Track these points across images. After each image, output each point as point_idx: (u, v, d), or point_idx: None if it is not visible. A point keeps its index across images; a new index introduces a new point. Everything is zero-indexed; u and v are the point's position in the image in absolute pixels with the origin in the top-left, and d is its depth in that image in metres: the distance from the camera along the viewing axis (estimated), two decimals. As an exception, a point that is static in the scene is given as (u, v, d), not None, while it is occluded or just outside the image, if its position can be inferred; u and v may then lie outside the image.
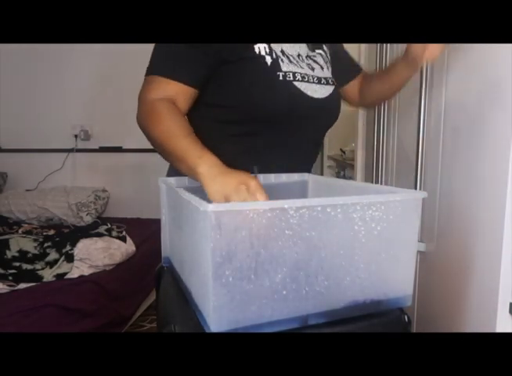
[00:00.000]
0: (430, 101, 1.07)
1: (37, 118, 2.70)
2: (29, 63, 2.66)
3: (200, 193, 0.60)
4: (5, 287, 1.43)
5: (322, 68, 0.93)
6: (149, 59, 0.83)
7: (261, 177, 0.87)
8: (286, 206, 0.54)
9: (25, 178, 2.71)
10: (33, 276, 1.54)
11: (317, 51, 0.95)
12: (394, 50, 1.29)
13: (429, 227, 1.09)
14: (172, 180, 0.80)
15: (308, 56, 0.92)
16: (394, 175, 1.39)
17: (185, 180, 0.84)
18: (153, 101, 0.78)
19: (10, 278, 1.50)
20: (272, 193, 0.87)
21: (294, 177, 0.90)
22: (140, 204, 2.60)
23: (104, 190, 2.64)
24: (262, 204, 0.54)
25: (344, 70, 1.04)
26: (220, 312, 0.53)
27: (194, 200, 0.55)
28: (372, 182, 1.43)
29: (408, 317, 0.66)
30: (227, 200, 0.62)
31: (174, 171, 0.97)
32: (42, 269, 1.61)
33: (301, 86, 0.85)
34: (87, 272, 1.62)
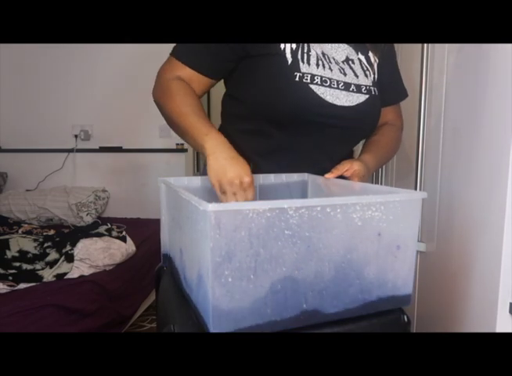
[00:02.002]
0: (430, 101, 1.07)
1: (38, 118, 2.70)
2: (29, 64, 2.66)
3: (200, 193, 0.60)
4: (5, 287, 1.43)
5: (356, 75, 0.87)
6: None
7: (261, 177, 0.87)
8: (285, 206, 0.54)
9: (25, 178, 2.71)
10: (33, 276, 1.54)
11: (360, 55, 0.90)
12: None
13: (429, 227, 1.09)
14: (172, 180, 0.80)
15: (346, 60, 0.87)
16: (394, 176, 1.39)
17: (184, 180, 0.84)
18: (168, 79, 0.84)
19: (10, 278, 1.50)
20: (271, 192, 0.87)
21: (294, 177, 0.90)
22: (140, 204, 2.60)
23: (104, 190, 2.63)
24: (262, 203, 0.54)
25: (385, 90, 0.94)
26: (219, 312, 0.53)
27: (194, 199, 0.55)
28: (372, 183, 1.43)
29: (408, 317, 0.66)
30: (220, 186, 0.70)
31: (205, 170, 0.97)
32: (42, 269, 1.61)
33: (319, 90, 0.81)
34: (87, 272, 1.62)
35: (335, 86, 0.83)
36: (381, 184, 1.43)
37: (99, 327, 1.47)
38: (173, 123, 0.82)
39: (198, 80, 0.85)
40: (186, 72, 0.84)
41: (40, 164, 2.70)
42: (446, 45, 1.02)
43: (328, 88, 0.82)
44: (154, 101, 0.87)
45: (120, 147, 2.65)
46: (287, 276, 0.56)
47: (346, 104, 0.84)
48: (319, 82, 0.82)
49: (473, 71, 0.91)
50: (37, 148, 2.70)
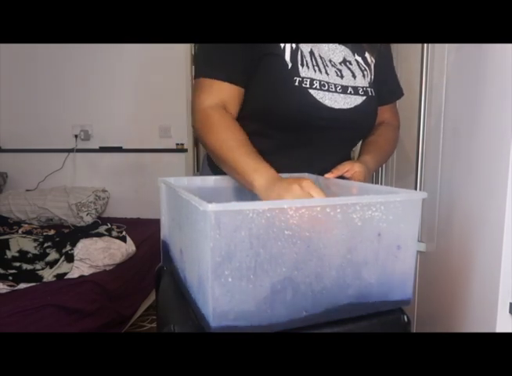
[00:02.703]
0: (430, 101, 1.07)
1: (38, 118, 2.70)
2: (29, 63, 2.66)
3: (200, 193, 0.60)
4: (5, 287, 1.43)
5: (354, 76, 0.87)
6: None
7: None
8: (285, 206, 0.54)
9: (25, 178, 2.71)
10: (33, 276, 1.54)
11: (356, 56, 0.89)
12: (394, 50, 1.29)
13: (429, 227, 1.09)
14: (172, 180, 0.80)
15: (343, 62, 0.87)
16: (394, 176, 1.39)
17: (184, 180, 0.84)
18: (206, 109, 0.79)
19: (10, 278, 1.50)
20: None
21: (294, 177, 0.90)
22: (140, 204, 2.60)
23: (104, 190, 2.64)
24: (262, 204, 0.54)
25: (381, 89, 0.94)
26: (219, 311, 0.53)
27: (194, 199, 0.55)
28: (372, 183, 1.43)
29: (408, 317, 0.66)
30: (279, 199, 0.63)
31: (208, 170, 0.96)
32: (42, 269, 1.61)
33: (318, 95, 0.82)
34: (87, 272, 1.62)
35: (333, 90, 0.84)
36: (381, 184, 1.43)
37: (99, 327, 1.47)
38: (217, 156, 0.77)
39: (235, 94, 0.82)
40: (223, 89, 0.80)
41: (40, 164, 2.70)
42: (446, 45, 1.02)
43: (326, 92, 0.83)
44: (197, 135, 0.83)
45: (120, 147, 2.65)
46: (287, 276, 0.56)
47: (344, 107, 0.85)
48: (317, 87, 0.82)
49: (473, 71, 0.91)
50: (37, 148, 2.70)
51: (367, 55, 0.92)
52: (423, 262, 1.12)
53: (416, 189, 1.10)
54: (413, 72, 1.13)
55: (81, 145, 2.68)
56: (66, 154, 2.68)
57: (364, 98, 0.87)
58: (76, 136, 2.66)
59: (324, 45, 0.86)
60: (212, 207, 0.50)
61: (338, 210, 0.58)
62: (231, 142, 0.75)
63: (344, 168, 0.83)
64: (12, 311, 1.26)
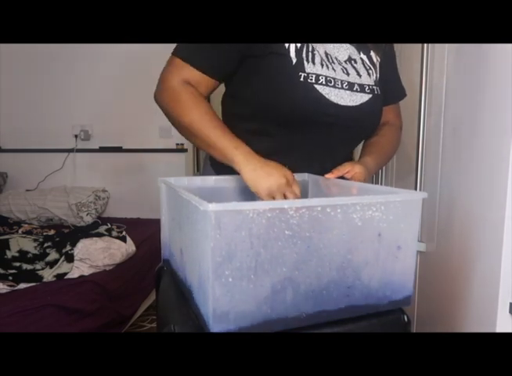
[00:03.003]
0: (430, 101, 1.07)
1: (38, 118, 2.70)
2: (29, 64, 2.66)
3: (201, 193, 0.60)
4: (5, 287, 1.43)
5: (359, 74, 0.87)
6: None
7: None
8: (286, 206, 0.54)
9: (25, 178, 2.71)
10: (33, 276, 1.54)
11: (362, 55, 0.89)
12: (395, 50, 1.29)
13: (429, 227, 1.09)
14: (172, 180, 0.80)
15: (348, 60, 0.87)
16: (394, 176, 1.39)
17: (185, 180, 0.84)
18: (176, 86, 0.81)
19: (10, 278, 1.50)
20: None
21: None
22: (140, 204, 2.60)
23: (104, 190, 2.64)
24: (262, 204, 0.54)
25: (385, 89, 0.93)
26: (219, 311, 0.53)
27: (194, 199, 0.55)
28: (372, 183, 1.43)
29: (408, 317, 0.66)
30: (270, 193, 0.69)
31: (210, 171, 0.96)
32: (42, 269, 1.61)
33: (323, 90, 0.81)
34: (87, 272, 1.62)
35: (339, 86, 0.83)
36: (381, 184, 1.43)
37: (99, 327, 1.47)
38: (191, 134, 0.80)
39: (206, 83, 0.83)
40: (194, 75, 0.81)
41: (40, 164, 2.70)
42: (446, 45, 1.02)
43: (332, 88, 0.82)
44: (159, 105, 0.85)
45: (120, 147, 2.65)
46: (287, 276, 0.56)
47: (350, 104, 0.84)
48: (323, 82, 0.81)
49: (473, 71, 0.91)
50: (37, 148, 2.70)
51: (372, 54, 0.91)
52: (423, 262, 1.12)
53: (416, 189, 1.10)
54: (413, 72, 1.13)
55: (81, 145, 2.68)
56: (66, 154, 2.68)
57: (370, 96, 0.87)
58: (76, 136, 2.66)
59: (329, 43, 0.85)
60: (213, 207, 0.50)
61: (339, 210, 0.58)
62: (207, 121, 0.78)
63: (345, 168, 0.83)
64: (12, 311, 1.26)
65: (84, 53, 2.54)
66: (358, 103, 0.85)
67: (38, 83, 2.66)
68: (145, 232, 2.16)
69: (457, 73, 0.98)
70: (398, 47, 1.23)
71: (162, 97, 0.83)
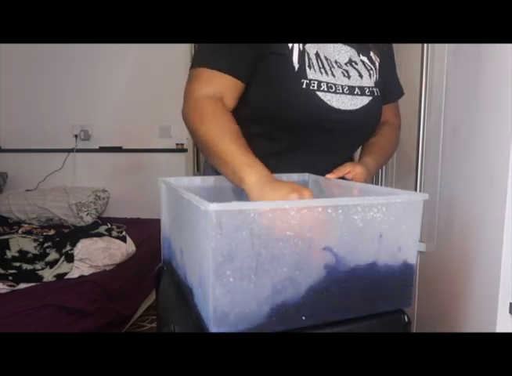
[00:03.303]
0: (430, 101, 1.07)
1: (38, 118, 2.70)
2: (29, 63, 2.66)
3: (201, 193, 0.60)
4: (5, 287, 1.43)
5: (361, 76, 0.87)
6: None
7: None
8: (287, 206, 0.54)
9: (25, 178, 2.71)
10: (33, 276, 1.54)
11: (362, 56, 0.89)
12: (394, 50, 1.29)
13: (429, 227, 1.09)
14: (172, 180, 0.79)
15: (349, 62, 0.86)
16: (394, 176, 1.39)
17: (185, 180, 0.84)
18: (200, 98, 0.76)
19: (10, 278, 1.50)
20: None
21: (294, 177, 0.90)
22: (140, 204, 2.60)
23: (104, 190, 2.63)
24: (263, 204, 0.54)
25: (384, 88, 0.93)
26: (220, 312, 0.53)
27: (195, 199, 0.55)
28: (372, 183, 1.43)
29: (408, 317, 0.66)
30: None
31: (210, 171, 0.95)
32: (42, 269, 1.61)
33: (325, 97, 0.81)
34: (87, 272, 1.62)
35: (340, 91, 0.83)
36: (381, 184, 1.43)
37: (99, 327, 1.47)
38: (206, 147, 0.73)
39: (233, 87, 0.79)
40: (221, 81, 0.78)
41: (40, 164, 2.70)
42: (446, 45, 1.02)
43: (334, 94, 0.82)
44: (185, 123, 0.79)
45: (120, 147, 2.65)
46: (288, 276, 0.56)
47: (351, 108, 0.84)
48: (325, 89, 0.81)
49: (473, 71, 0.91)
50: (37, 148, 2.69)
51: (372, 54, 0.91)
52: (423, 262, 1.12)
53: (416, 189, 1.10)
54: (413, 72, 1.13)
55: (81, 145, 2.68)
56: (66, 154, 2.68)
57: (370, 98, 0.87)
58: (76, 136, 2.66)
59: (329, 45, 0.85)
60: (214, 206, 0.50)
61: (340, 211, 0.58)
62: (223, 133, 0.72)
63: (346, 169, 0.83)
64: (12, 311, 1.26)
65: (84, 53, 2.54)
66: (358, 107, 0.85)
67: (38, 83, 2.66)
68: (145, 232, 2.16)
69: (457, 73, 0.98)
70: (398, 47, 1.23)
71: (187, 109, 0.78)
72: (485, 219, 0.85)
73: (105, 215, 2.64)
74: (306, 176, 0.91)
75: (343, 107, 0.83)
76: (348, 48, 0.88)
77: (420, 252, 1.12)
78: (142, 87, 2.54)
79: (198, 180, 0.86)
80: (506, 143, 0.77)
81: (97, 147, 2.68)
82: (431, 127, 1.08)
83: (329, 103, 0.82)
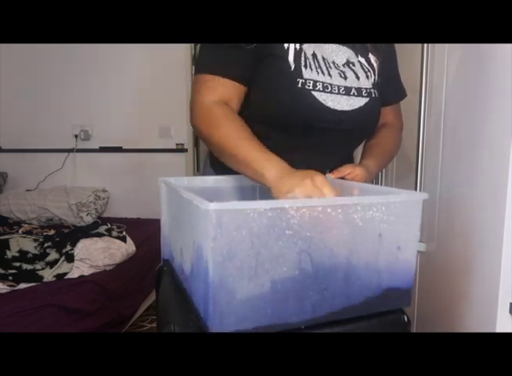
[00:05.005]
0: (430, 101, 1.07)
1: (38, 118, 2.70)
2: (29, 63, 2.66)
3: (201, 193, 0.60)
4: (5, 287, 1.43)
5: (358, 77, 0.86)
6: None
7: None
8: (286, 206, 0.54)
9: (25, 178, 2.71)
10: (33, 276, 1.54)
11: (360, 58, 0.89)
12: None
13: (429, 227, 1.09)
14: (172, 180, 0.80)
15: (346, 63, 0.86)
16: (394, 176, 1.39)
17: (185, 180, 0.84)
18: (209, 105, 0.78)
19: (10, 278, 1.50)
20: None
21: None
22: (140, 204, 2.60)
23: (104, 190, 2.64)
24: (263, 203, 0.54)
25: (385, 90, 0.93)
26: (220, 312, 0.53)
27: (195, 199, 0.55)
28: (372, 182, 1.43)
29: (408, 317, 0.66)
30: (290, 194, 0.62)
31: (211, 171, 0.95)
32: (42, 269, 1.61)
33: (321, 97, 0.81)
34: (87, 272, 1.62)
35: (336, 91, 0.83)
36: (381, 184, 1.43)
37: (99, 327, 1.47)
38: (223, 151, 0.75)
39: (239, 92, 0.81)
40: (227, 86, 0.80)
41: (40, 164, 2.70)
42: (446, 45, 1.02)
43: (329, 94, 0.82)
44: (196, 130, 0.81)
45: (120, 147, 2.65)
46: (288, 276, 0.56)
47: (347, 108, 0.84)
48: (320, 88, 0.81)
49: (473, 71, 0.91)
50: (37, 148, 2.70)
51: (371, 56, 0.91)
52: (423, 262, 1.12)
53: (416, 189, 1.10)
54: (413, 72, 1.13)
55: (81, 145, 2.68)
56: (66, 154, 2.68)
57: (367, 99, 0.87)
58: (76, 136, 2.66)
59: (327, 46, 0.85)
60: (213, 206, 0.50)
61: (339, 210, 0.58)
62: (238, 134, 0.74)
63: (346, 170, 0.83)
64: (12, 311, 1.26)
65: (84, 53, 2.54)
66: (355, 107, 0.85)
67: (38, 83, 2.66)
68: (145, 232, 2.16)
69: (457, 73, 0.98)
70: (398, 47, 1.23)
71: (196, 118, 0.80)
72: (485, 219, 0.85)
73: (105, 215, 2.64)
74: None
75: (339, 107, 0.83)
76: (346, 49, 0.87)
77: (420, 252, 1.12)
78: (143, 87, 2.54)
79: (198, 180, 0.86)
80: (506, 143, 0.77)
81: (97, 147, 2.68)
82: (431, 127, 1.08)
83: (324, 102, 0.81)
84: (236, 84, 0.81)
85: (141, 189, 2.61)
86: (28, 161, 2.72)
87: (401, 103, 1.03)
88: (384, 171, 1.44)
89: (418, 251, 1.09)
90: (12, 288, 1.44)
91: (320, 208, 0.56)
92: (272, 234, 0.54)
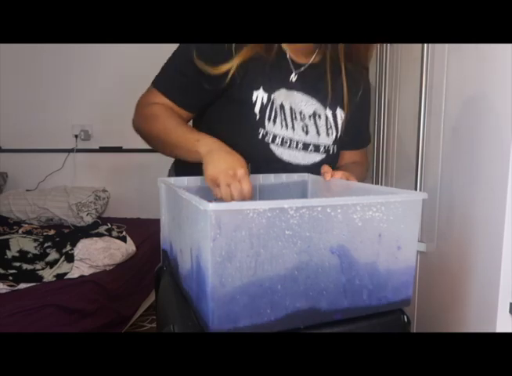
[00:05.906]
0: (431, 101, 1.07)
1: (38, 118, 2.69)
2: (29, 63, 2.66)
3: (200, 193, 0.60)
4: (6, 287, 1.43)
5: (318, 133, 0.91)
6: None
7: (261, 177, 0.87)
8: (286, 206, 0.54)
9: (25, 178, 2.71)
10: (33, 276, 1.54)
11: (327, 111, 0.92)
12: (394, 50, 1.29)
13: (429, 227, 1.09)
14: (172, 180, 0.80)
15: (313, 115, 0.90)
16: (394, 176, 1.39)
17: (184, 180, 0.84)
18: (150, 104, 0.85)
19: (10, 278, 1.50)
20: (271, 193, 0.87)
21: (294, 177, 0.90)
22: (140, 204, 2.60)
23: (104, 190, 2.63)
24: (262, 204, 0.54)
25: (351, 136, 0.99)
26: (219, 312, 0.53)
27: (194, 199, 0.55)
28: (371, 182, 1.43)
29: (407, 317, 0.66)
30: (214, 180, 0.68)
31: (175, 172, 0.97)
32: (42, 269, 1.61)
33: (277, 150, 0.86)
34: (87, 272, 1.62)
35: (294, 147, 0.88)
36: (381, 184, 1.43)
37: (99, 327, 1.47)
38: (159, 141, 0.83)
39: (179, 112, 0.87)
40: (165, 101, 0.87)
41: (40, 164, 2.70)
42: (446, 45, 1.02)
43: (287, 149, 0.87)
44: (135, 129, 0.89)
45: (120, 147, 2.65)
46: (287, 276, 0.56)
47: (302, 163, 0.90)
48: (279, 143, 0.86)
49: (473, 71, 0.91)
50: (37, 148, 2.69)
51: (338, 111, 0.94)
52: (423, 262, 1.12)
53: (416, 189, 1.10)
54: (413, 72, 1.13)
55: (81, 145, 2.67)
56: (66, 154, 2.68)
57: (323, 156, 0.92)
58: (76, 136, 2.66)
59: (298, 95, 0.89)
60: (213, 206, 0.50)
61: (339, 210, 0.58)
62: (172, 123, 0.81)
63: (323, 168, 0.85)
64: (12, 311, 1.26)
65: (84, 53, 2.54)
66: (309, 163, 0.90)
67: (38, 83, 2.66)
68: (145, 232, 2.16)
69: (457, 73, 0.98)
70: (398, 47, 1.23)
71: (137, 120, 0.89)
72: (485, 219, 0.85)
73: (105, 215, 2.64)
74: (306, 176, 0.91)
75: (294, 161, 0.88)
76: (315, 101, 0.91)
77: (420, 252, 1.12)
78: (143, 87, 2.53)
79: (198, 180, 0.86)
80: (506, 143, 0.77)
81: (97, 147, 2.68)
82: (431, 126, 1.08)
83: (279, 156, 0.87)
84: (176, 106, 0.87)
85: (141, 189, 2.60)
86: (28, 161, 2.72)
87: (401, 102, 1.03)
88: (384, 170, 1.44)
89: (418, 251, 1.09)
90: (12, 288, 1.44)
91: (320, 208, 0.56)
92: (272, 234, 0.54)
